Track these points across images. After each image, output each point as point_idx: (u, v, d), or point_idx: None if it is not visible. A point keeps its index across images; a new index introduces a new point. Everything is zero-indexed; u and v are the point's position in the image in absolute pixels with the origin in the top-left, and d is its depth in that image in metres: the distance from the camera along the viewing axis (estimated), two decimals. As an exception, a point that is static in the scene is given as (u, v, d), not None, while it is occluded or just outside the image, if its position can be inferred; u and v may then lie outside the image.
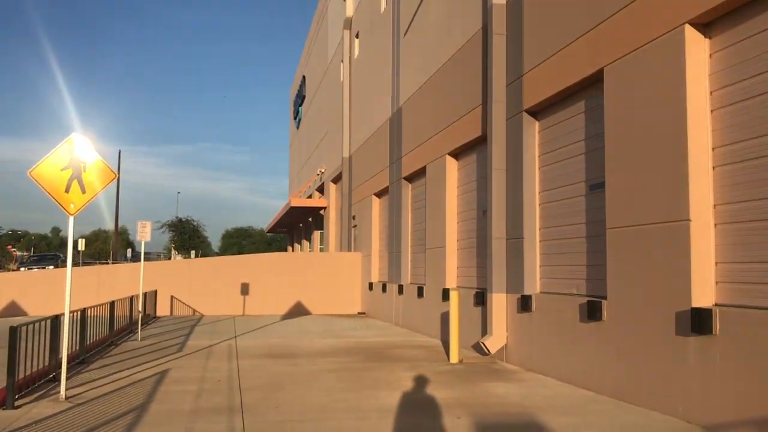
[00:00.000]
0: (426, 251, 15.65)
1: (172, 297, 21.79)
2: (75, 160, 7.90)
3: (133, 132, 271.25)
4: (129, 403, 7.53)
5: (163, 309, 21.65)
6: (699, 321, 6.48)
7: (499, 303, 11.06)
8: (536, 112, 10.62)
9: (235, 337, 14.77)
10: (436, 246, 14.89)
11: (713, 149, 6.83)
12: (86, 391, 8.24)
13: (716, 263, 6.72)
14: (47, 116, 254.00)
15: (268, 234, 75.69)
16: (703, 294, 6.70)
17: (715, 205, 6.78)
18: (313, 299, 22.54)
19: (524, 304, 10.26)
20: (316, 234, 33.99)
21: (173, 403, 7.60)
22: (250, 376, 9.49)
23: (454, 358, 10.88)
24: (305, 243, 39.72)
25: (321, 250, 32.24)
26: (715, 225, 6.76)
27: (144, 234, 13.94)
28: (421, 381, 9.06)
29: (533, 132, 10.64)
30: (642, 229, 7.50)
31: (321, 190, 33.17)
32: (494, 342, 10.97)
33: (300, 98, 42.81)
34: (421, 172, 16.68)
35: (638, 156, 7.61)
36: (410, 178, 17.73)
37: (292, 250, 47.18)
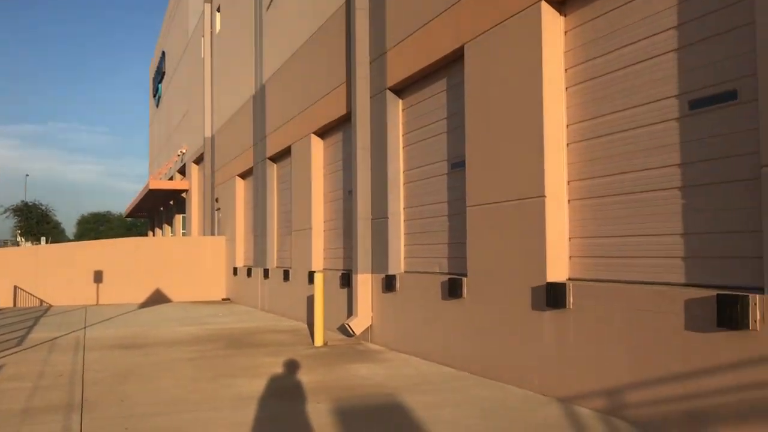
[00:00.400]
0: (292, 233, 15.27)
1: (15, 287, 20.01)
2: None
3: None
4: (-53, 407, 6.67)
5: (4, 300, 19.84)
6: (553, 295, 6.59)
7: (364, 284, 10.92)
8: (400, 90, 10.50)
9: (85, 328, 13.72)
10: (302, 228, 14.54)
11: (567, 126, 6.95)
12: None
13: (570, 238, 6.87)
14: None
15: (127, 219, 71.92)
16: (558, 269, 6.84)
17: (569, 182, 6.91)
18: (174, 286, 21.52)
19: (388, 284, 10.18)
20: (178, 218, 32.56)
21: (2, 403, 6.80)
22: (95, 368, 8.75)
23: (318, 341, 10.64)
24: (167, 228, 38.00)
25: (183, 234, 30.91)
26: (569, 201, 6.90)
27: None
28: (282, 366, 8.74)
29: (397, 110, 10.52)
30: (500, 206, 7.55)
31: (183, 171, 31.76)
32: (359, 323, 10.83)
33: (159, 75, 40.76)
34: (286, 152, 16.22)
35: (496, 134, 7.65)
36: (275, 158, 17.23)
37: (153, 236, 45.04)
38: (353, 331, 10.86)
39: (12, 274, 20.03)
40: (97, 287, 20.68)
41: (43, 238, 67.40)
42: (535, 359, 6.94)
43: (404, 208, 10.39)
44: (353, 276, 11.06)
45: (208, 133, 24.59)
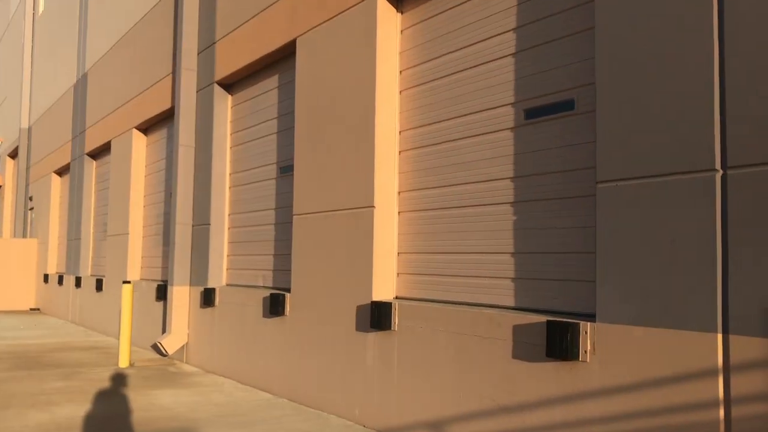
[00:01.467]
0: (107, 239, 13.73)
1: None
2: None
3: None
4: None
5: None
6: (378, 315, 5.99)
7: (181, 297, 9.82)
8: (229, 85, 9.58)
9: None
10: (118, 233, 13.08)
11: (400, 132, 6.41)
12: None
13: (399, 253, 6.31)
14: None
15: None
16: (385, 286, 6.25)
17: (399, 192, 6.37)
18: (-28, 293, 18.91)
19: (207, 297, 9.17)
20: (-10, 217, 29.10)
21: None
22: None
23: (123, 361, 9.39)
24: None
25: (-6, 235, 27.62)
26: (399, 213, 6.35)
27: None
28: (71, 393, 7.47)
29: (225, 106, 9.58)
30: (327, 216, 6.87)
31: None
32: (173, 341, 9.71)
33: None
34: (106, 148, 14.66)
35: (326, 137, 6.97)
36: (95, 155, 15.55)
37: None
38: (166, 351, 9.71)
39: None
40: None
41: None
42: (359, 386, 6.30)
43: (229, 215, 9.45)
44: (169, 288, 9.93)
45: (24, 124, 22.07)
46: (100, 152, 15.19)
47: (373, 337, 6.15)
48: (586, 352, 4.27)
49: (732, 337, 3.54)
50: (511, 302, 5.17)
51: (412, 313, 5.73)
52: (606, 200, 4.19)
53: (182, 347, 9.89)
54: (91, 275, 15.36)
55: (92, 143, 15.08)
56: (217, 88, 9.52)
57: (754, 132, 3.52)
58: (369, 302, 6.18)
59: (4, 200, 25.57)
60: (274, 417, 6.50)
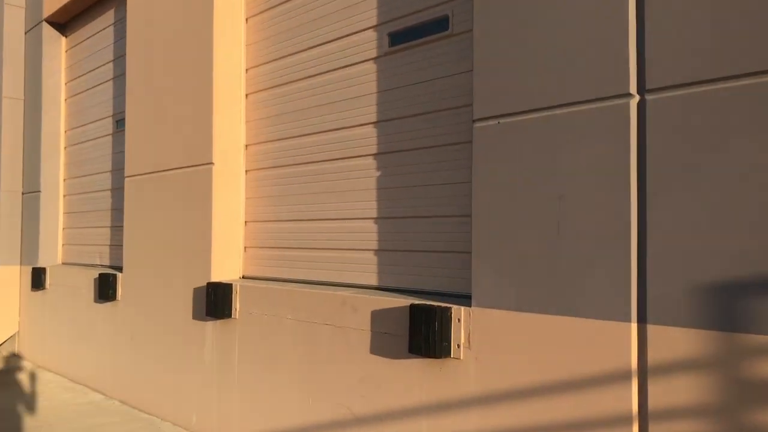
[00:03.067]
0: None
1: None
2: None
3: None
4: None
5: None
6: (215, 300, 4.75)
7: (9, 278, 8.23)
8: (62, 25, 7.97)
9: None
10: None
11: (247, 71, 5.15)
12: None
13: (246, 222, 5.08)
14: None
15: None
16: (228, 264, 5.01)
17: (247, 146, 5.12)
18: None
19: (36, 279, 7.64)
20: None
21: None
22: None
23: (-66, 357, 7.75)
24: None
25: None
26: (247, 172, 5.11)
27: None
28: None
29: (58, 50, 7.97)
30: (162, 177, 5.54)
31: None
32: (-1, 331, 8.13)
33: None
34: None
35: (160, 80, 5.62)
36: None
37: None
38: (-10, 343, 8.13)
39: None
40: None
41: None
42: (196, 388, 5.07)
43: (65, 180, 7.91)
44: (-6, 268, 8.31)
45: None
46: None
47: (211, 327, 4.92)
48: (459, 346, 3.21)
49: (650, 328, 2.55)
50: (373, 281, 4.07)
51: (256, 297, 4.53)
52: (483, 145, 3.11)
53: (13, 337, 8.32)
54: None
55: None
56: (47, 28, 7.89)
57: (684, 43, 2.50)
58: (205, 284, 4.94)
59: None
60: (96, 426, 5.18)
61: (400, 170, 3.93)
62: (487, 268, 3.07)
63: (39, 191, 7.83)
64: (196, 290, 5.07)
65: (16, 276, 8.29)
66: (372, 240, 4.08)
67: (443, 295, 3.65)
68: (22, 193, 8.29)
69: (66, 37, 7.96)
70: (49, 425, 5.24)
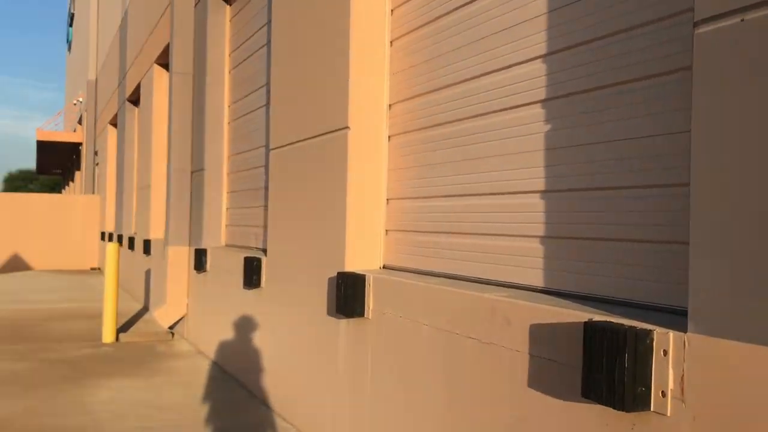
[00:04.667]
0: (138, 191, 12.31)
1: None
2: None
3: None
4: None
5: None
6: (345, 295, 3.85)
7: (178, 260, 8.08)
8: (226, -7, 7.57)
9: None
10: (145, 185, 11.57)
11: (392, 11, 4.17)
12: None
13: (388, 200, 4.12)
14: None
15: (56, 176, 67.33)
16: (365, 250, 4.09)
17: (391, 105, 4.15)
18: (36, 251, 18.33)
19: (199, 261, 7.35)
20: (78, 175, 29.10)
21: None
22: None
23: (107, 336, 7.77)
24: (71, 185, 34.49)
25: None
26: (390, 137, 4.14)
27: None
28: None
29: (222, 19, 7.59)
30: (299, 147, 4.76)
31: (82, 122, 28.25)
32: (168, 313, 8.00)
33: (70, 17, 36.74)
34: (139, 91, 13.15)
35: (299, 35, 4.83)
36: (134, 100, 14.13)
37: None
38: (159, 324, 8.04)
39: None
40: (-62, 251, 17.40)
41: None
42: (329, 396, 4.23)
43: (228, 157, 7.53)
44: (165, 248, 8.21)
45: (91, 76, 21.25)
46: (137, 96, 13.73)
47: (344, 326, 4.04)
48: (664, 395, 1.97)
49: None
50: (538, 280, 2.90)
51: (389, 293, 3.55)
52: (716, 60, 1.83)
53: (181, 321, 8.18)
54: (135, 232, 14.09)
55: (130, 87, 13.64)
56: (212, -2, 7.54)
57: None
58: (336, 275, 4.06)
59: (84, 156, 25.18)
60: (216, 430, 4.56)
61: (583, 120, 2.71)
62: (718, 270, 1.80)
63: (203, 169, 7.53)
64: (330, 281, 4.22)
65: (185, 257, 8.13)
66: (537, 222, 2.91)
67: (640, 307, 2.40)
68: (192, 172, 8.09)
69: (230, 5, 7.55)
70: (177, 426, 4.70)
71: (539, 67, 2.94)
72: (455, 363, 2.98)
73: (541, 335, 2.48)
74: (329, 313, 4.23)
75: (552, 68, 2.87)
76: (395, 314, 3.48)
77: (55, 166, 39.90)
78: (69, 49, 39.22)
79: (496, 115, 3.20)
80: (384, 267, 4.11)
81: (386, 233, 4.11)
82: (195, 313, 7.71)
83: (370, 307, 3.73)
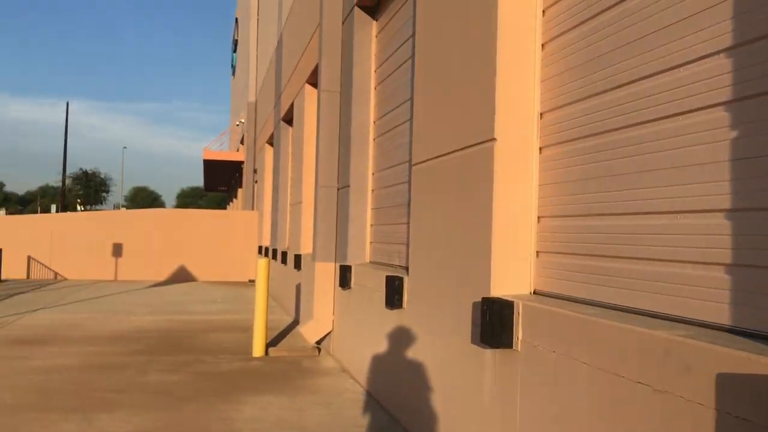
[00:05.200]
0: (289, 208, 12.63)
1: (29, 258, 18.59)
2: None
3: (103, 87, 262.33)
4: None
5: (16, 271, 18.45)
6: (491, 323, 3.50)
7: (325, 276, 8.08)
8: (373, 8, 7.50)
9: (35, 310, 11.67)
10: (296, 201, 11.84)
11: (544, 12, 3.80)
12: None
13: (539, 218, 3.73)
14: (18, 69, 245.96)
15: (221, 193, 72.07)
16: (513, 273, 3.72)
17: (542, 114, 3.77)
18: (200, 264, 19.47)
19: (343, 277, 7.28)
20: (240, 192, 30.81)
21: None
22: None
23: (257, 350, 7.91)
24: (234, 202, 36.60)
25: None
26: (542, 149, 3.75)
27: None
28: (150, 393, 6.08)
29: (368, 35, 7.53)
30: (442, 162, 4.49)
31: (244, 142, 29.89)
32: (314, 329, 8.01)
33: (234, 44, 39.20)
34: (293, 111, 13.54)
35: (442, 39, 4.57)
36: (289, 119, 14.59)
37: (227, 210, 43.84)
38: (306, 339, 8.06)
39: (25, 243, 18.60)
40: (116, 261, 18.94)
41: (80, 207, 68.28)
42: (473, 430, 3.89)
43: (373, 174, 7.43)
44: (311, 264, 8.25)
45: (252, 98, 22.38)
46: (291, 116, 14.16)
47: (490, 357, 3.69)
48: None
49: None
50: (724, 317, 2.41)
51: (542, 324, 3.17)
52: None
53: (327, 336, 8.16)
54: (288, 247, 14.50)
55: (285, 107, 14.11)
56: (359, 13, 7.50)
57: None
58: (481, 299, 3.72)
59: (246, 174, 26.57)
60: (359, 461, 4.35)
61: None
62: None
63: (348, 186, 7.48)
64: (474, 307, 3.89)
65: (331, 273, 8.11)
66: (723, 247, 2.42)
67: None
68: (338, 189, 8.08)
69: (376, 20, 7.47)
70: (316, 449, 4.55)
71: (722, 64, 2.46)
72: (620, 411, 2.54)
73: (732, 388, 2.01)
74: (473, 341, 3.90)
75: (739, 63, 2.39)
76: (548, 348, 3.08)
77: (220, 183, 42.60)
78: (233, 73, 41.82)
79: (669, 120, 2.74)
80: (534, 293, 3.72)
81: (537, 255, 3.72)
82: (340, 329, 7.65)
83: (519, 338, 3.36)
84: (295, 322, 10.77)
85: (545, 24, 3.77)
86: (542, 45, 3.78)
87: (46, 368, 6.97)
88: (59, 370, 6.91)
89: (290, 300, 12.22)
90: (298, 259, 10.90)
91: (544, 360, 3.11)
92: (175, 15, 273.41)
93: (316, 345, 8.27)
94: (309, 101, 11.13)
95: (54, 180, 75.12)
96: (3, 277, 18.19)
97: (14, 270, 18.46)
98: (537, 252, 3.72)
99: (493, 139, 3.72)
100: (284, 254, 12.93)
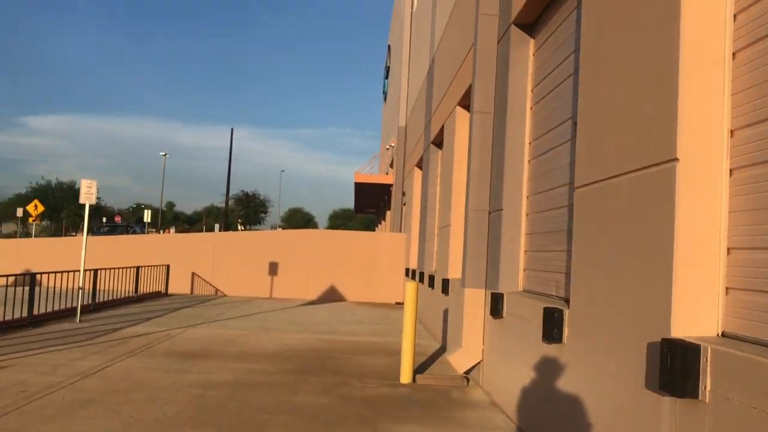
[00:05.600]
0: (437, 231, 12.47)
1: (193, 274, 19.80)
2: None
3: (264, 115, 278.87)
4: None
5: (181, 286, 19.70)
6: (672, 368, 3.07)
7: (475, 303, 7.79)
8: (530, 25, 7.20)
9: (196, 324, 12.28)
10: (444, 225, 11.66)
11: (735, 16, 3.35)
12: None
13: (729, 250, 3.26)
14: (190, 100, 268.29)
15: (370, 215, 73.81)
16: (697, 311, 3.27)
17: (732, 131, 3.31)
18: (349, 284, 19.79)
19: (495, 305, 6.96)
20: (389, 214, 31.21)
21: None
22: (81, 386, 6.88)
23: (404, 376, 7.74)
24: (382, 224, 37.15)
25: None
26: (732, 171, 3.29)
27: (89, 196, 11.72)
28: (301, 416, 6.06)
29: (525, 54, 7.23)
30: (609, 185, 4.10)
31: (393, 165, 30.31)
32: (462, 358, 7.72)
33: (386, 70, 40.08)
34: (442, 134, 13.43)
35: (611, 51, 4.20)
36: (438, 143, 14.50)
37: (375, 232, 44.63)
38: (454, 368, 7.78)
39: (190, 260, 19.84)
40: (272, 280, 19.70)
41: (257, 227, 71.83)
42: (646, 489, 3.44)
43: (527, 197, 7.08)
44: (461, 290, 7.99)
45: (402, 122, 22.63)
46: (441, 139, 14.06)
47: (668, 407, 3.25)
48: None
49: None
50: None
51: (739, 373, 2.72)
52: None
53: (476, 366, 7.84)
54: (435, 270, 14.34)
55: (435, 130, 14.04)
56: (515, 31, 7.23)
57: None
58: (660, 340, 3.30)
59: (394, 197, 26.87)
60: None
61: None
62: None
63: (500, 210, 7.18)
64: (650, 347, 3.46)
65: (481, 300, 7.81)
66: None
67: None
68: (489, 212, 7.79)
69: (533, 38, 7.16)
70: (467, 490, 4.27)
71: None
72: None
73: None
74: (648, 386, 3.47)
75: None
76: (746, 403, 2.63)
77: (369, 205, 43.52)
78: (384, 99, 42.76)
79: None
80: (722, 335, 3.24)
81: (726, 292, 3.25)
82: (490, 360, 7.31)
83: (707, 388, 2.91)
84: (442, 349, 10.54)
85: (737, 30, 3.32)
86: (733, 54, 3.33)
87: (204, 383, 7.21)
88: (215, 385, 7.13)
89: (436, 324, 12.02)
90: (445, 283, 10.68)
91: (742, 416, 2.66)
92: (330, 47, 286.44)
93: (464, 375, 7.97)
94: (460, 123, 10.96)
95: (218, 201, 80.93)
96: (170, 292, 19.48)
97: (180, 285, 19.72)
98: (726, 288, 3.24)
99: (675, 159, 3.31)
100: (431, 278, 12.78)
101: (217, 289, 19.77)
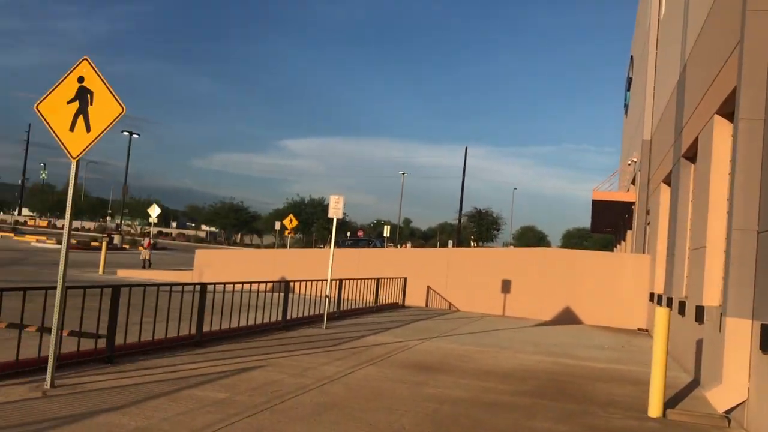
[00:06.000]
0: (688, 253, 11.36)
1: (428, 288, 20.26)
2: (82, 90, 6.57)
3: (502, 132, 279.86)
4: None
5: (416, 299, 20.24)
6: None
7: (738, 334, 6.90)
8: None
9: (432, 338, 12.46)
10: (697, 246, 10.59)
11: None
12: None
13: None
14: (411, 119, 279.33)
15: (608, 234, 70.24)
16: None
17: None
18: (584, 307, 18.88)
19: (766, 339, 6.09)
20: (629, 234, 29.39)
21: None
22: (326, 391, 7.24)
23: (654, 410, 7.08)
24: (622, 244, 35.07)
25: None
26: None
27: (336, 210, 12.49)
28: (543, 439, 5.79)
29: (806, 52, 6.29)
30: None
31: (635, 182, 28.52)
32: (723, 395, 6.87)
33: (628, 82, 38.01)
34: (696, 146, 12.26)
35: None
36: (691, 156, 13.26)
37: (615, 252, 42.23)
38: (712, 406, 6.94)
39: (425, 274, 20.32)
40: (504, 298, 19.47)
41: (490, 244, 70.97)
42: None
43: (808, 216, 6.12)
44: (722, 318, 7.13)
45: (646, 136, 21.20)
46: (694, 152, 12.85)
47: None
48: None
49: None
50: None
51: None
52: None
53: (740, 406, 6.92)
54: (685, 296, 13.10)
55: (686, 143, 12.89)
56: (793, 26, 6.33)
57: None
58: None
59: (635, 216, 25.22)
60: None
61: None
62: None
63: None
64: None
65: (747, 332, 6.91)
66: None
67: None
68: (758, 233, 6.88)
69: (817, 32, 6.21)
70: None
71: None
72: None
73: None
74: None
75: None
76: None
77: (607, 225, 41.38)
78: (626, 112, 40.56)
79: None
80: None
81: None
82: (759, 401, 6.40)
83: None
84: (695, 382, 9.53)
85: None
86: None
87: (439, 397, 7.23)
88: (450, 401, 7.11)
89: (686, 355, 10.93)
90: (699, 310, 9.66)
91: None
92: (565, 63, 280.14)
93: (724, 414, 7.09)
94: (719, 133, 9.90)
95: (452, 218, 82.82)
96: (406, 304, 20.13)
97: (415, 298, 20.30)
98: None
99: None
100: (681, 304, 11.67)
101: (450, 304, 20.02)
